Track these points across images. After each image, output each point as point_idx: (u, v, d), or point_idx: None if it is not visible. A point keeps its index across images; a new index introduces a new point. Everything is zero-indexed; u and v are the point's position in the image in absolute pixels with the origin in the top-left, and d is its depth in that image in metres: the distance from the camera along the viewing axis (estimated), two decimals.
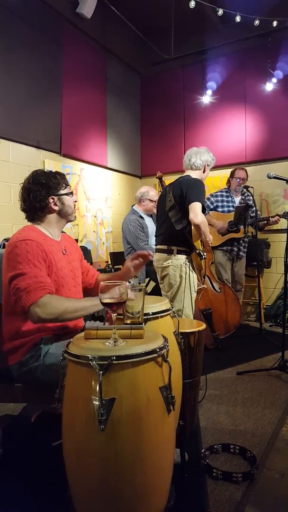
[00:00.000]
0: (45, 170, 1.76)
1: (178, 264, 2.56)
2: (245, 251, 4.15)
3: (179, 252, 2.57)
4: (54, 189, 1.67)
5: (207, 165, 2.74)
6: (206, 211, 2.51)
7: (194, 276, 2.60)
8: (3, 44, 3.64)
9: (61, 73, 4.33)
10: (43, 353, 1.53)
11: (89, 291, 1.92)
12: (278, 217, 3.81)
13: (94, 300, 1.49)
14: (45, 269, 1.53)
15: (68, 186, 1.74)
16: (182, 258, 2.57)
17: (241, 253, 4.11)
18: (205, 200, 4.13)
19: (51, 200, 1.67)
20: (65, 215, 1.73)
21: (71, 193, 1.75)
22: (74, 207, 1.77)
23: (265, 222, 3.96)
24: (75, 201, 1.78)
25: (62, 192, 1.70)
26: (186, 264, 2.57)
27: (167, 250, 2.61)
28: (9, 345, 1.59)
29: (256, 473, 1.63)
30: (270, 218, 3.88)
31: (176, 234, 2.57)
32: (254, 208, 3.93)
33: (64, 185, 1.71)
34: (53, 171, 1.76)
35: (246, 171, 4.14)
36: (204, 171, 2.75)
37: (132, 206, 3.99)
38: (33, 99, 3.95)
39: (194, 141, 5.37)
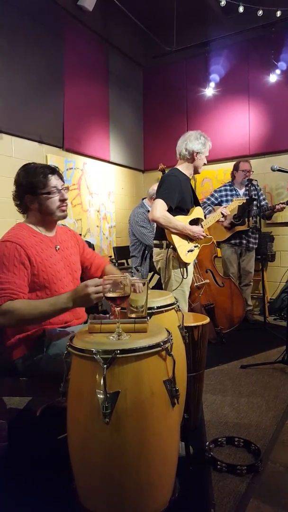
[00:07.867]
0: (34, 164, 1.68)
1: (167, 257, 2.54)
2: (255, 242, 4.13)
3: (168, 246, 2.54)
4: (29, 188, 1.63)
5: (196, 153, 2.49)
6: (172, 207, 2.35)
7: (180, 271, 2.50)
8: (4, 38, 3.61)
9: (63, 66, 4.30)
10: (46, 345, 1.54)
11: None
12: (281, 204, 3.86)
13: (54, 302, 1.41)
14: (21, 272, 1.50)
15: (50, 187, 1.63)
16: (171, 252, 2.52)
17: (250, 245, 4.10)
18: (209, 196, 4.12)
19: (27, 199, 1.66)
20: (45, 213, 1.67)
21: (49, 192, 1.63)
22: (63, 205, 1.68)
23: (270, 211, 3.99)
24: (63, 199, 1.67)
25: (39, 191, 1.63)
26: (174, 258, 2.52)
27: (159, 244, 2.62)
28: (13, 339, 1.59)
29: (260, 466, 1.63)
30: (276, 206, 3.91)
31: (162, 228, 2.52)
32: (261, 199, 3.97)
33: (42, 185, 1.62)
34: (42, 167, 1.66)
35: (250, 163, 4.12)
36: (193, 161, 2.53)
37: (143, 199, 4.02)
38: (35, 93, 3.93)
39: None
